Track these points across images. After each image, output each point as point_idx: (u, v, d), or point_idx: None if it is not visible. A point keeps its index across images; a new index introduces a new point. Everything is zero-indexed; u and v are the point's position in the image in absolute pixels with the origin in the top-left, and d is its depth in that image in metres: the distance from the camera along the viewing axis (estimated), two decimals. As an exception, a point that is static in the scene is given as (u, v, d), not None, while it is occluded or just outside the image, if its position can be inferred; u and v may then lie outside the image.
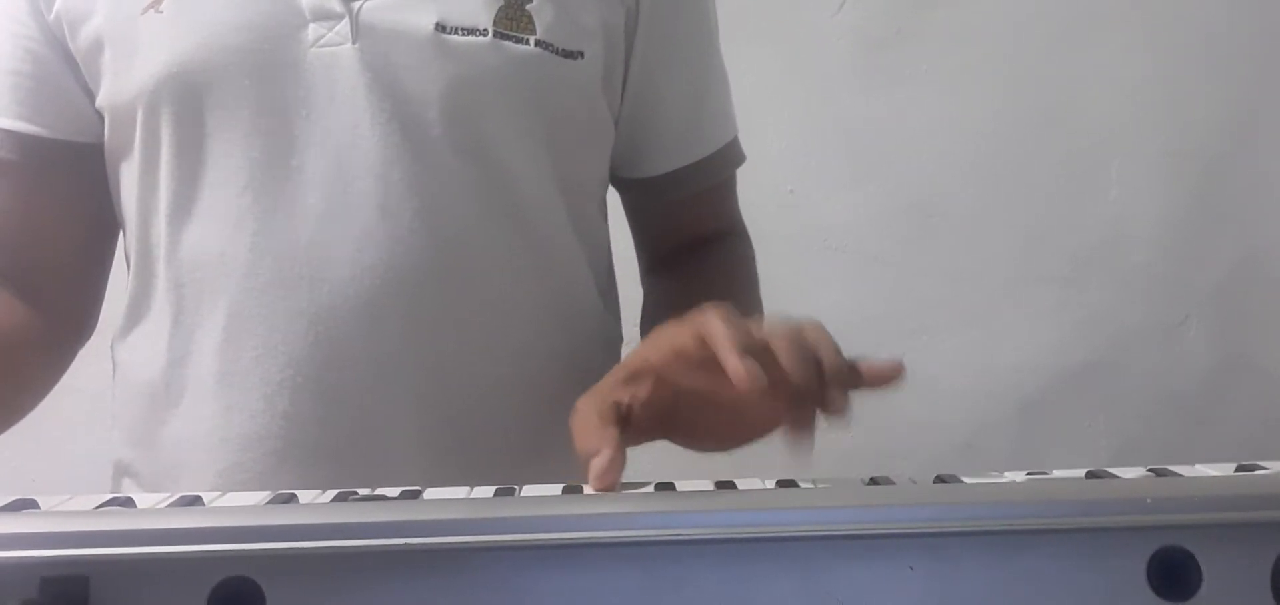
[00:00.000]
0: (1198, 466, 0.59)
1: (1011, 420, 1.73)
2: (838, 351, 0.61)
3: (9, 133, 0.85)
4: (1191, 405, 1.75)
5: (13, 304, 0.87)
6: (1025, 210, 1.73)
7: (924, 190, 1.71)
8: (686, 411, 0.67)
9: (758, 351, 0.59)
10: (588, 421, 0.64)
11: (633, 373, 0.67)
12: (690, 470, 0.66)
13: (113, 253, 0.92)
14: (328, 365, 0.80)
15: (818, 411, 0.61)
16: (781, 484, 0.59)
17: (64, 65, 0.85)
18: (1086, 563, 0.47)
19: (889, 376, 0.62)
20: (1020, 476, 0.58)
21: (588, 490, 0.60)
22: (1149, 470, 0.58)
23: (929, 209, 1.72)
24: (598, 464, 0.59)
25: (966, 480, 0.57)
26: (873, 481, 0.58)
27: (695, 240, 0.96)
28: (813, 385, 0.59)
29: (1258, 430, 1.73)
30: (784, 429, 0.61)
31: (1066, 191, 1.73)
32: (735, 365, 0.57)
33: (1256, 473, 0.57)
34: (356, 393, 0.80)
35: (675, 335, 0.64)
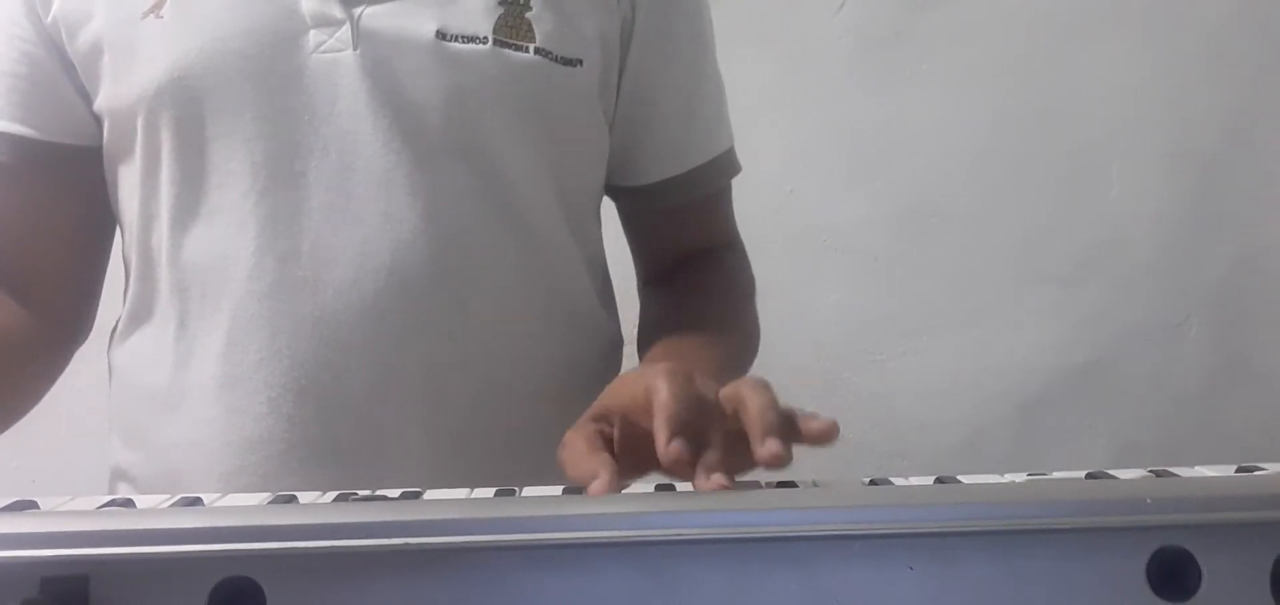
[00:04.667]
0: (1198, 467, 0.59)
1: (1011, 420, 1.73)
2: (770, 406, 0.61)
3: (3, 135, 0.85)
4: (1191, 406, 1.74)
5: (8, 306, 0.87)
6: (1025, 210, 1.73)
7: (924, 190, 1.71)
8: None
9: (692, 421, 0.60)
10: (577, 452, 0.64)
11: (601, 413, 0.68)
12: (690, 470, 0.66)
13: (108, 255, 0.93)
14: (331, 368, 0.80)
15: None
16: (781, 484, 0.59)
17: (60, 68, 0.85)
18: (1086, 563, 0.47)
19: (823, 438, 0.62)
20: (1020, 477, 0.58)
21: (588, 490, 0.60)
22: (1149, 471, 0.58)
23: (929, 209, 1.72)
24: (597, 487, 0.60)
25: (966, 480, 0.58)
26: (873, 482, 0.58)
27: (690, 252, 0.96)
28: (717, 460, 0.60)
29: (1258, 431, 1.73)
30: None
31: (1066, 191, 1.73)
32: (662, 443, 0.59)
33: (1256, 473, 0.57)
34: (359, 395, 0.81)
35: (633, 388, 0.66)
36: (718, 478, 0.58)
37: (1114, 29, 1.73)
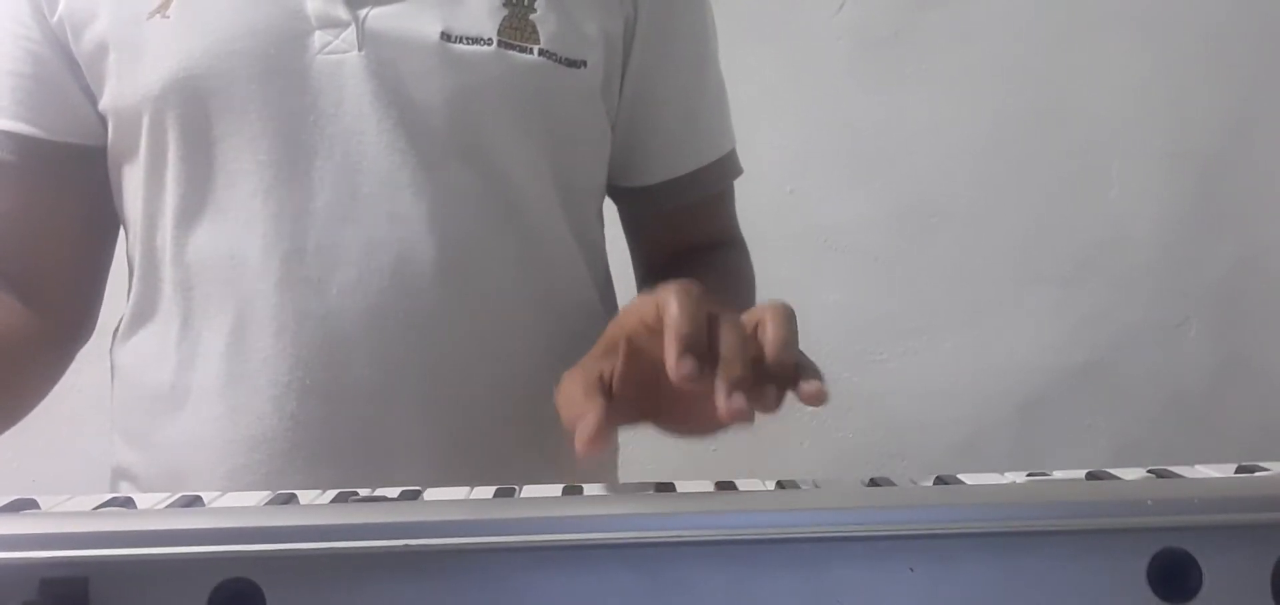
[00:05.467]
0: (1198, 467, 0.59)
1: (1011, 420, 1.73)
2: (789, 344, 0.59)
3: (8, 134, 0.85)
4: (1191, 405, 1.75)
5: (12, 305, 0.87)
6: (1025, 210, 1.73)
7: (924, 190, 1.72)
8: (667, 391, 0.66)
9: (704, 337, 0.57)
10: (571, 395, 0.63)
11: (607, 345, 0.66)
12: (690, 471, 0.66)
13: (112, 254, 0.93)
14: (335, 367, 0.80)
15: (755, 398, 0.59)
16: (782, 485, 0.59)
17: (65, 68, 0.85)
18: (1087, 564, 0.47)
19: (812, 399, 0.60)
20: (1020, 477, 0.58)
21: (587, 489, 0.60)
22: (1149, 471, 0.58)
23: (929, 209, 1.72)
24: (583, 429, 0.57)
25: (966, 480, 0.57)
26: (873, 482, 0.58)
27: (691, 252, 0.96)
28: (741, 377, 0.57)
29: (1258, 431, 1.73)
30: (716, 407, 0.59)
31: (1066, 191, 1.73)
32: (672, 357, 0.56)
33: (1257, 474, 0.57)
34: (363, 394, 0.81)
35: (641, 307, 0.63)
36: (738, 400, 0.55)
37: (1114, 29, 1.73)
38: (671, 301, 0.59)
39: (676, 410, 0.66)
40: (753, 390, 0.56)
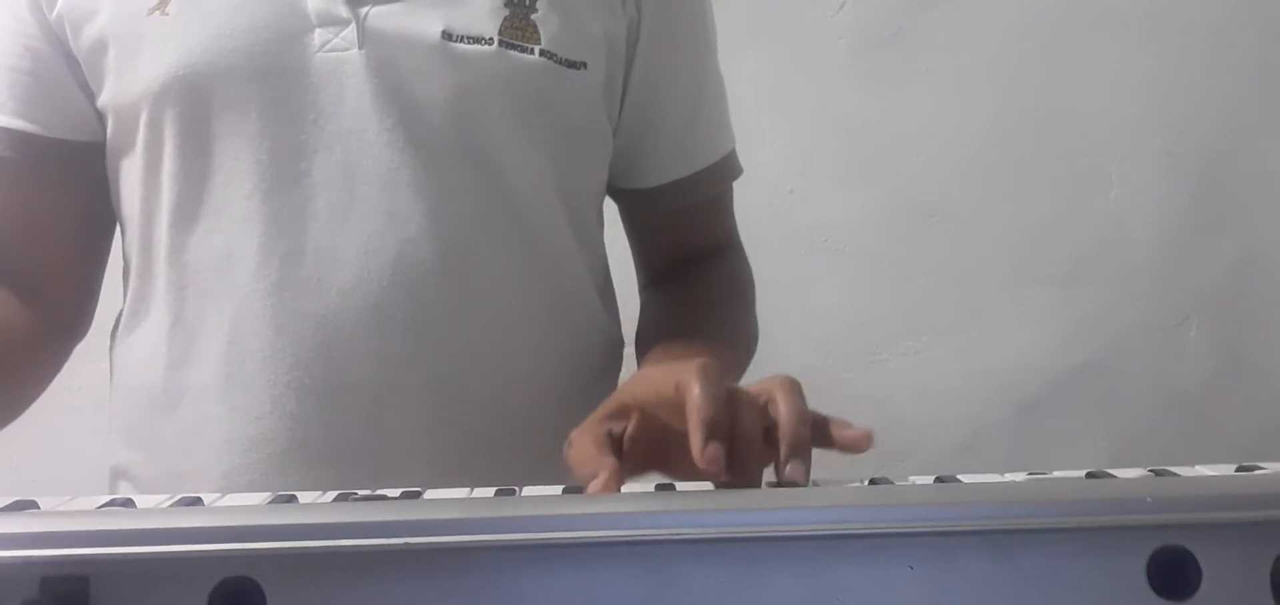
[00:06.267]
0: (1198, 466, 0.59)
1: (1011, 420, 1.73)
2: (802, 419, 0.61)
3: (5, 130, 0.85)
4: (1191, 405, 1.74)
5: (7, 301, 0.87)
6: (1025, 210, 1.73)
7: (924, 190, 1.71)
8: (676, 444, 0.67)
9: (726, 421, 0.60)
10: (584, 451, 0.64)
11: (618, 409, 0.68)
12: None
13: (108, 252, 0.93)
14: (334, 367, 0.80)
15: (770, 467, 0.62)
16: (782, 484, 0.59)
17: (63, 64, 0.85)
18: (1086, 562, 0.47)
19: (857, 447, 0.62)
20: (1020, 476, 0.58)
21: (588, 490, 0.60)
22: (1149, 470, 0.58)
23: (929, 209, 1.72)
24: (595, 485, 0.60)
25: (966, 480, 0.57)
26: (873, 481, 0.58)
27: (691, 254, 0.96)
28: (757, 459, 0.60)
29: (1258, 431, 1.73)
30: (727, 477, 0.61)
31: (1066, 191, 1.73)
32: (698, 446, 0.58)
33: (1256, 472, 0.57)
34: (363, 394, 0.81)
35: (659, 382, 0.65)
36: None
37: (1114, 29, 1.73)
38: (694, 385, 0.60)
39: (682, 462, 0.67)
40: (781, 473, 0.59)
